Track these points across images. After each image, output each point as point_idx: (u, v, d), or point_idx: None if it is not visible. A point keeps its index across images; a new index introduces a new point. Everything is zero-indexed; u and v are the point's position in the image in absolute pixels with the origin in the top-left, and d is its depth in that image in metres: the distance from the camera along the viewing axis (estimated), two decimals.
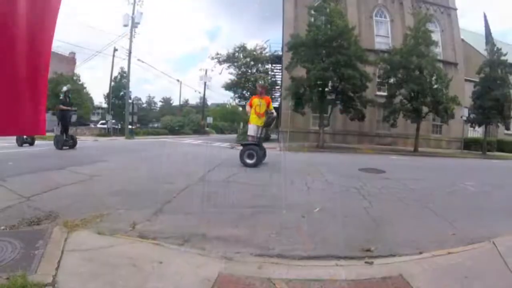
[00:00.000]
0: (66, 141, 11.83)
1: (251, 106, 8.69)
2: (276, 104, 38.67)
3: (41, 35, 2.14)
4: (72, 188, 5.02)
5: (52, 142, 12.19)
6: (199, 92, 64.23)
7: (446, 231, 3.47)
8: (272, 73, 35.30)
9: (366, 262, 2.54)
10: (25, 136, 12.76)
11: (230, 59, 35.18)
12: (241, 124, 59.34)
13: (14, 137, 12.31)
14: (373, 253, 2.78)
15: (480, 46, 27.96)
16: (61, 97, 12.65)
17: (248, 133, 8.66)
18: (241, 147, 8.45)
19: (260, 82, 9.81)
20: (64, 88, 12.91)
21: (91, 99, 41.30)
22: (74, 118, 12.57)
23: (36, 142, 12.94)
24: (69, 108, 12.37)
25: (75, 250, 2.47)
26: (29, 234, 2.79)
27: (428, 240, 3.16)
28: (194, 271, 2.25)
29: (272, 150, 16.86)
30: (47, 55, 2.23)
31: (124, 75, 34.36)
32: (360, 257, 2.69)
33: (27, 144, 12.51)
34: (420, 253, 2.78)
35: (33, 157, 9.10)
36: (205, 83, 47.99)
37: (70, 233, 2.83)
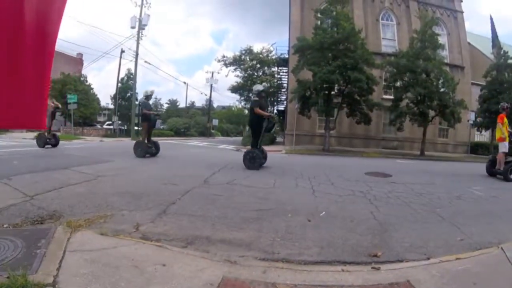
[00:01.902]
0: (149, 148, 10.60)
1: (502, 123, 9.05)
2: (282, 107, 38.92)
3: (48, 30, 2.15)
4: (76, 188, 5.02)
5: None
6: (205, 94, 64.49)
7: (454, 236, 3.42)
8: (278, 76, 35.41)
9: (373, 268, 2.50)
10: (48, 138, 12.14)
11: (236, 61, 35.42)
12: (247, 127, 59.52)
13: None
14: (380, 258, 2.74)
15: (487, 49, 27.78)
16: (143, 100, 11.25)
17: (502, 150, 8.88)
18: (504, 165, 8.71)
19: (504, 104, 10.12)
20: (148, 92, 11.39)
21: (98, 100, 41.50)
22: (158, 124, 11.39)
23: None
24: (153, 112, 11.22)
25: (77, 251, 2.45)
26: (32, 233, 2.78)
27: (436, 245, 3.11)
28: (197, 275, 2.22)
29: (277, 153, 16.85)
30: (51, 49, 2.23)
31: (131, 76, 34.64)
32: (366, 262, 2.65)
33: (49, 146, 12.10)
34: (428, 258, 2.73)
35: (38, 157, 9.14)
36: (211, 86, 48.26)
37: (73, 233, 2.82)
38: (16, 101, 2.04)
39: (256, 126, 8.89)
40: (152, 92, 11.57)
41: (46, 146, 11.51)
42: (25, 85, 2.07)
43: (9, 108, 2.03)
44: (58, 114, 13.16)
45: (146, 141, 10.63)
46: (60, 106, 13.43)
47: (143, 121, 10.80)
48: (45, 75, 2.22)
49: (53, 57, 2.28)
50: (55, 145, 12.28)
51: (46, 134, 12.12)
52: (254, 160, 8.52)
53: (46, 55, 2.19)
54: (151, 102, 12.87)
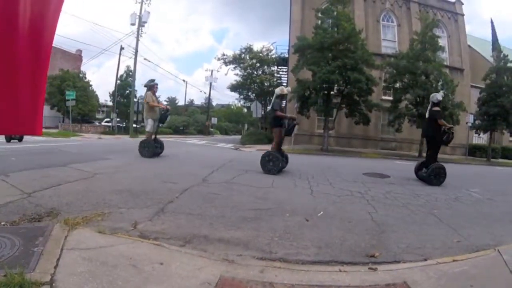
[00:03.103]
0: (282, 160, 7.94)
1: None
2: None
3: (43, 31, 2.05)
4: (74, 185, 4.99)
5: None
6: (205, 93, 64.36)
7: (451, 238, 3.43)
8: (278, 75, 35.39)
9: (370, 268, 2.50)
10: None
11: (236, 60, 35.40)
12: (245, 125, 59.48)
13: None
14: (377, 259, 2.74)
15: (487, 52, 27.85)
16: (276, 99, 8.05)
17: None
18: None
19: None
20: (285, 91, 8.33)
21: (96, 97, 41.32)
22: (295, 129, 8.35)
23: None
24: (287, 115, 8.46)
25: (74, 249, 2.44)
26: (30, 230, 2.77)
27: (433, 247, 3.12)
28: (195, 274, 2.21)
29: None
30: (47, 51, 2.13)
31: (130, 73, 34.59)
32: (364, 263, 2.65)
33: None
34: (425, 260, 2.74)
35: (36, 154, 9.11)
36: (210, 84, 48.34)
37: (71, 231, 2.80)
38: (10, 106, 1.95)
39: (433, 138, 7.89)
40: (288, 91, 9.31)
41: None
42: (20, 89, 1.99)
43: (2, 114, 1.94)
44: (168, 117, 10.46)
45: (276, 151, 7.95)
46: (169, 108, 10.99)
47: (274, 126, 8.03)
48: (41, 78, 2.13)
49: (49, 60, 2.18)
50: (160, 154, 10.18)
51: (152, 141, 9.78)
52: (440, 177, 7.55)
53: (41, 58, 2.10)
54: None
